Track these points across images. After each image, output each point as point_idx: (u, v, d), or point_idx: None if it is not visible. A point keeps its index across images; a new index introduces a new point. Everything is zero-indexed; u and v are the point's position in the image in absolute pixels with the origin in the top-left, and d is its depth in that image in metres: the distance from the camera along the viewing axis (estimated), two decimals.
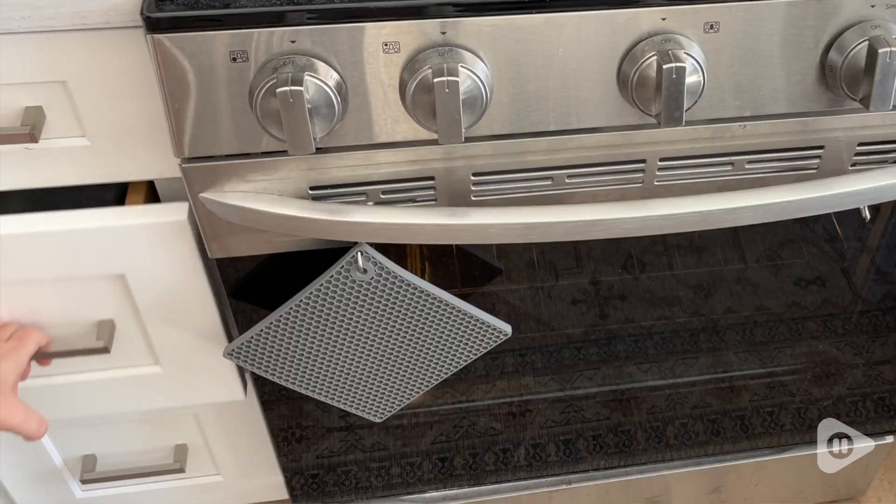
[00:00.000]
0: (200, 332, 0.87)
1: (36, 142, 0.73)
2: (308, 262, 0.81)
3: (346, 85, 0.68)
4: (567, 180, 0.78)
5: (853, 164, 0.82)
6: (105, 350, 0.84)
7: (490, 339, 0.88)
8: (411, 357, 0.89)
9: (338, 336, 0.85)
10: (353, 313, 0.83)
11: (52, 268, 0.79)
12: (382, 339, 0.86)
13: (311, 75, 0.65)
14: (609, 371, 1.10)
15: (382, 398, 0.94)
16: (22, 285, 0.82)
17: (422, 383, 0.92)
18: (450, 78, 0.64)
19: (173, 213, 0.79)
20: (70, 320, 0.85)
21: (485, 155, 0.75)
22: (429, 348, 0.88)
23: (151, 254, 0.80)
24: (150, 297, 0.84)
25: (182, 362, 0.91)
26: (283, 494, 1.16)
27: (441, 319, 0.85)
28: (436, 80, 0.65)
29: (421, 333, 0.86)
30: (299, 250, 0.81)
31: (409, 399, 0.94)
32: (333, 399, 0.93)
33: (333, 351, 0.86)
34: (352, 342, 0.86)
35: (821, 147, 0.80)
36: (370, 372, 0.90)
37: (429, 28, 0.66)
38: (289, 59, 0.66)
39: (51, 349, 0.84)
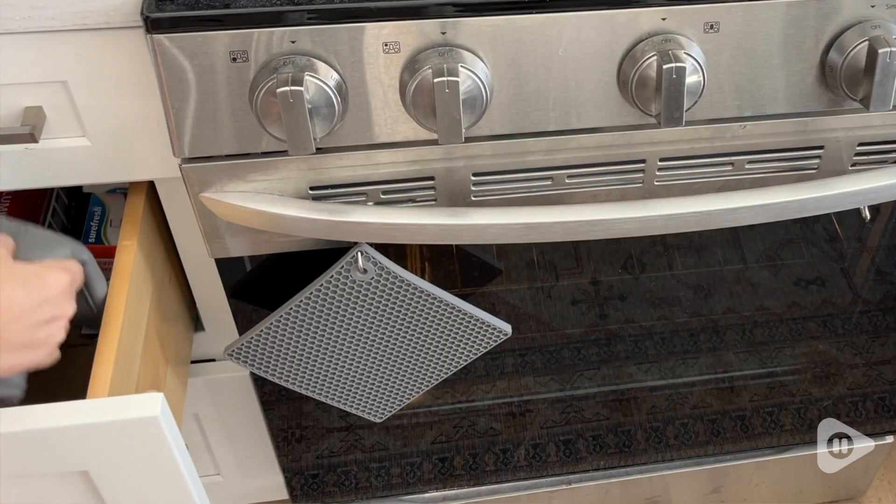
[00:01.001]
0: None
1: (36, 142, 0.73)
2: (308, 262, 0.81)
3: (346, 85, 0.68)
4: (567, 180, 0.78)
5: (853, 164, 0.82)
6: None
7: (490, 338, 0.88)
8: (411, 357, 0.89)
9: (338, 336, 0.85)
10: (353, 313, 0.83)
11: (5, 467, 0.66)
12: (382, 339, 0.86)
13: (311, 75, 0.65)
14: (609, 371, 1.10)
15: (382, 398, 0.94)
16: None
17: (422, 383, 0.92)
18: (450, 78, 0.64)
19: (143, 409, 0.65)
20: None
21: (485, 155, 0.75)
22: (429, 348, 0.88)
23: (119, 451, 0.68)
24: (118, 492, 0.71)
25: None
26: (283, 494, 1.16)
27: (441, 319, 0.85)
28: (436, 80, 0.65)
29: (421, 333, 0.86)
30: (299, 250, 0.81)
31: (409, 399, 0.94)
32: (333, 399, 0.93)
33: (333, 351, 0.86)
34: (352, 342, 0.86)
35: (821, 147, 0.80)
36: (370, 372, 0.90)
37: (429, 28, 0.66)
38: (289, 59, 0.66)
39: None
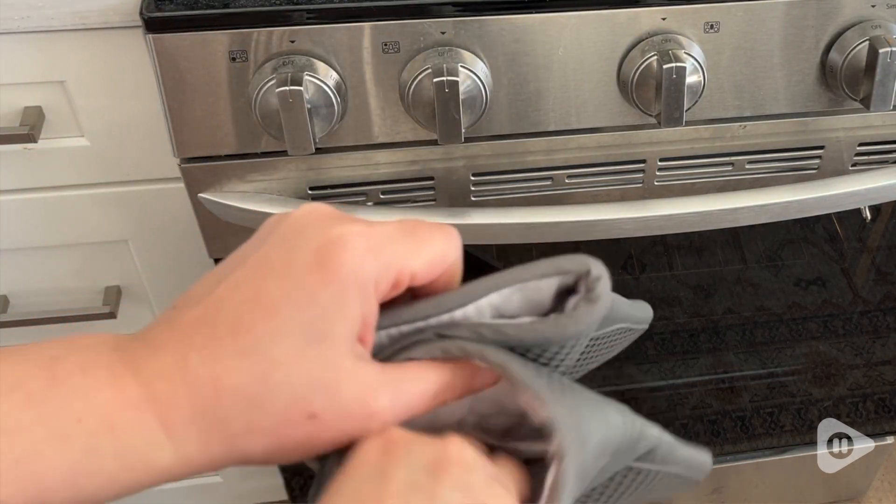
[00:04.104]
0: None
1: (35, 142, 0.72)
2: None
3: (345, 85, 0.68)
4: (567, 180, 0.78)
5: (853, 165, 0.82)
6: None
7: None
8: None
9: None
10: None
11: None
12: None
13: (310, 75, 0.65)
14: (609, 372, 1.09)
15: None
16: None
17: None
18: (449, 78, 0.64)
19: None
20: None
21: (484, 155, 0.75)
22: None
23: None
24: None
25: None
26: (283, 495, 1.16)
27: None
28: (435, 80, 0.64)
29: None
30: None
31: None
32: None
33: None
34: None
35: (821, 147, 0.80)
36: None
37: (429, 28, 0.66)
38: (288, 59, 0.65)
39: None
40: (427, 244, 0.37)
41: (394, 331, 0.37)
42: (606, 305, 0.37)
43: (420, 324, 0.37)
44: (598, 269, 0.38)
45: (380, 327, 0.37)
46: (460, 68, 0.66)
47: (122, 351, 0.34)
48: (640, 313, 0.47)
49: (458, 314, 0.37)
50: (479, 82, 0.67)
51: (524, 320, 0.38)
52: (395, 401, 0.35)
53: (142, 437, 0.33)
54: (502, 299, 0.38)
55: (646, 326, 0.48)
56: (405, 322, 0.37)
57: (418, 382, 0.36)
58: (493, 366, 0.36)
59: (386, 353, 0.37)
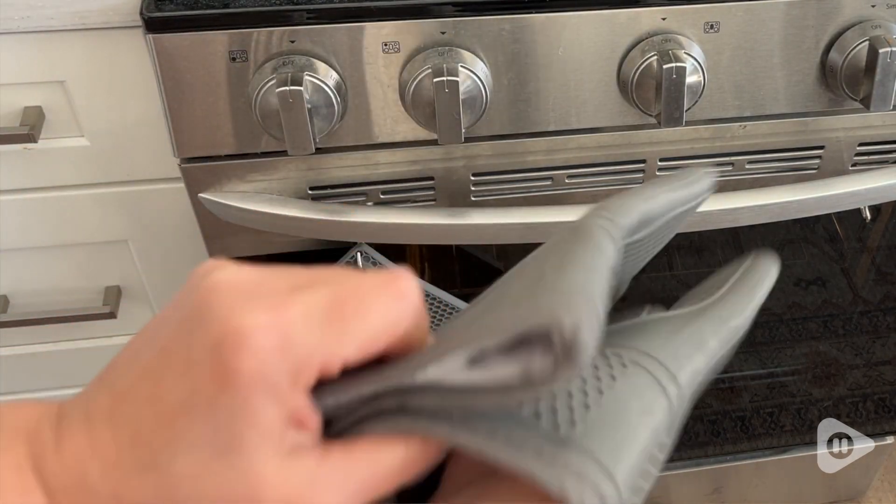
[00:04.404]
0: None
1: (35, 142, 0.73)
2: (308, 263, 0.81)
3: (345, 85, 0.68)
4: (567, 180, 0.78)
5: (853, 164, 0.82)
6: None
7: None
8: None
9: None
10: None
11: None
12: None
13: (310, 75, 0.65)
14: None
15: None
16: None
17: None
18: (449, 78, 0.64)
19: None
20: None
21: (484, 155, 0.75)
22: None
23: None
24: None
25: None
26: None
27: (441, 319, 0.84)
28: (436, 80, 0.64)
29: None
30: (299, 251, 0.81)
31: None
32: None
33: None
34: None
35: (821, 147, 0.80)
36: None
37: (429, 28, 0.66)
38: (288, 59, 0.65)
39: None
40: (361, 323, 0.31)
41: (353, 392, 0.32)
42: (595, 347, 0.27)
43: (380, 386, 0.31)
44: (574, 316, 0.26)
45: (329, 393, 0.31)
46: (460, 68, 0.66)
47: (35, 443, 0.31)
48: (694, 188, 0.36)
49: (420, 378, 0.30)
50: (479, 82, 0.67)
51: (497, 377, 0.29)
52: (343, 491, 0.30)
53: None
54: None
55: (707, 197, 0.38)
56: (364, 384, 0.31)
57: (371, 466, 0.31)
58: (473, 452, 0.30)
59: (344, 423, 0.32)
